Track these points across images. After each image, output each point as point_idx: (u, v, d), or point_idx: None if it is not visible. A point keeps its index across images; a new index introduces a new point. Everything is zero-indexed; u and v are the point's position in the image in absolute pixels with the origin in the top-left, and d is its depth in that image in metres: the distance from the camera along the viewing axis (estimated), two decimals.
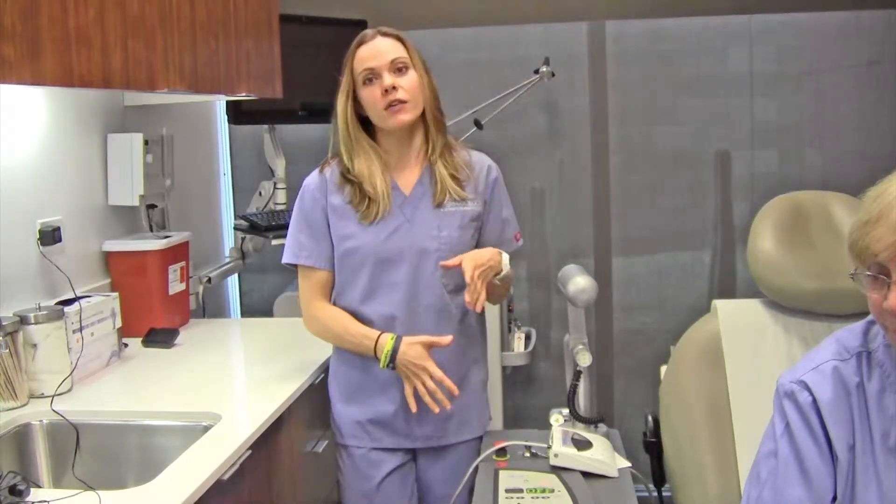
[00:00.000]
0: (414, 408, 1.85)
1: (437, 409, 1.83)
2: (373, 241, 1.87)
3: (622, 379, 3.25)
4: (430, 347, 1.82)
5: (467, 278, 1.77)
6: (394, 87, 1.82)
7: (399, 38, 1.87)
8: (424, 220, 1.89)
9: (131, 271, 2.39)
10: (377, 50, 1.84)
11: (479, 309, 1.81)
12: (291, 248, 1.93)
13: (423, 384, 1.81)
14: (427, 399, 1.82)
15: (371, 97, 1.84)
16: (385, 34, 1.87)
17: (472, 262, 1.79)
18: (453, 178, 1.90)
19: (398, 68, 1.84)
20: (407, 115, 1.84)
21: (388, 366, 1.83)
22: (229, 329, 2.72)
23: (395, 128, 1.85)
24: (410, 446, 1.97)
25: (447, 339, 1.83)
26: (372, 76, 1.83)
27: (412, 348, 1.82)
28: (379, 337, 1.85)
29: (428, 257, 1.89)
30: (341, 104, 1.87)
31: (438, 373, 1.81)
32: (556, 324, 3.24)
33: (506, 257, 1.90)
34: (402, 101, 1.82)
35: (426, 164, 1.92)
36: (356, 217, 1.88)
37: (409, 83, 1.84)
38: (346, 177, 1.88)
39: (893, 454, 1.26)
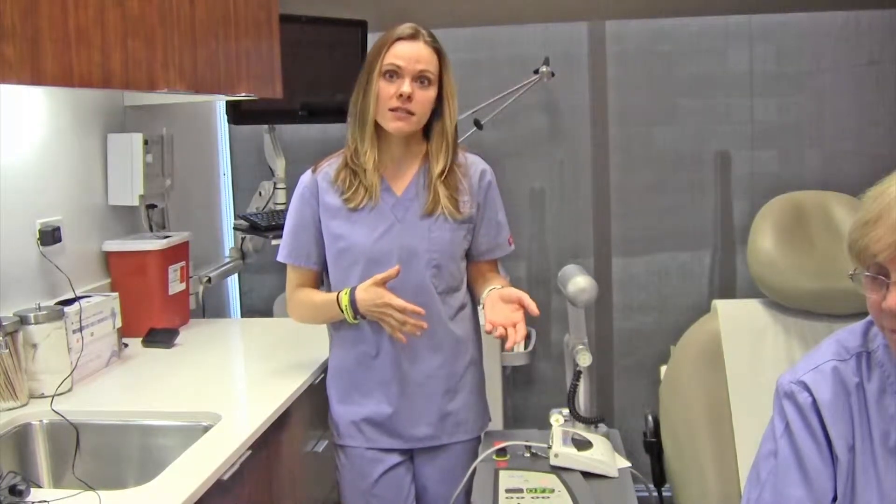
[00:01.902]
0: (403, 339, 1.84)
1: (417, 333, 1.82)
2: (363, 241, 1.88)
3: (622, 379, 3.25)
4: (383, 283, 1.81)
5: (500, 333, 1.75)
6: (409, 97, 1.81)
7: (439, 53, 1.85)
8: (415, 221, 1.90)
9: (131, 271, 2.39)
10: (414, 54, 1.81)
11: (519, 339, 1.76)
12: (281, 245, 1.98)
13: (393, 319, 1.81)
14: (398, 335, 1.82)
15: (385, 93, 1.82)
16: (427, 42, 1.84)
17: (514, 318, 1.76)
18: (451, 198, 1.90)
19: (422, 80, 1.83)
20: (407, 127, 1.84)
21: (355, 318, 1.85)
22: (229, 329, 2.72)
23: (390, 131, 1.85)
24: (405, 447, 1.97)
25: (394, 269, 1.80)
26: (395, 73, 1.82)
27: (367, 292, 1.82)
28: (339, 296, 1.87)
29: (419, 258, 1.89)
30: (372, 90, 1.82)
31: (399, 302, 1.80)
32: (556, 324, 3.24)
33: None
34: (408, 112, 1.82)
35: (421, 168, 1.92)
36: (348, 216, 1.88)
37: (424, 98, 1.83)
38: (350, 166, 1.88)
39: (893, 454, 1.26)
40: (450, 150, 1.90)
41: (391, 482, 1.97)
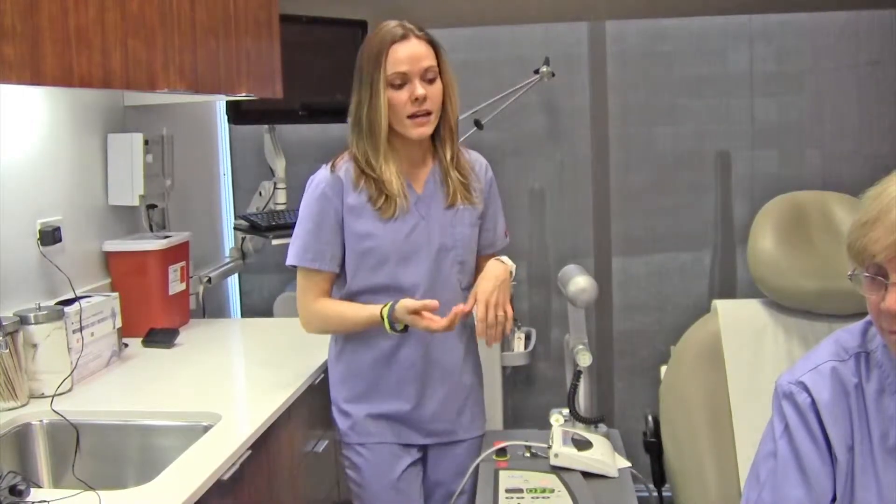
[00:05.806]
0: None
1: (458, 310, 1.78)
2: (392, 239, 1.85)
3: (622, 379, 3.25)
4: (416, 312, 1.78)
5: (481, 317, 1.77)
6: (424, 98, 1.79)
7: (433, 45, 1.83)
8: (439, 217, 1.90)
9: (131, 271, 2.39)
10: (414, 54, 1.79)
11: (498, 340, 1.80)
12: (296, 248, 1.88)
13: (430, 323, 1.77)
14: (439, 327, 1.77)
15: (398, 101, 1.79)
16: (420, 37, 1.81)
17: (484, 298, 1.78)
18: (464, 185, 1.91)
19: (429, 78, 1.81)
20: (429, 129, 1.83)
21: (391, 327, 1.81)
22: (229, 329, 2.72)
23: (414, 137, 1.83)
24: (424, 442, 1.98)
25: (432, 303, 1.77)
26: (402, 80, 1.79)
27: (401, 304, 1.79)
28: (381, 310, 1.82)
29: (445, 254, 1.90)
30: (381, 101, 1.79)
31: (417, 304, 1.77)
32: (556, 324, 3.25)
33: (506, 259, 1.89)
34: (427, 113, 1.81)
35: (434, 163, 1.92)
36: (374, 214, 1.85)
37: (435, 94, 1.81)
38: (367, 173, 1.84)
39: (892, 454, 1.26)
40: (454, 137, 1.91)
41: (411, 480, 1.97)
